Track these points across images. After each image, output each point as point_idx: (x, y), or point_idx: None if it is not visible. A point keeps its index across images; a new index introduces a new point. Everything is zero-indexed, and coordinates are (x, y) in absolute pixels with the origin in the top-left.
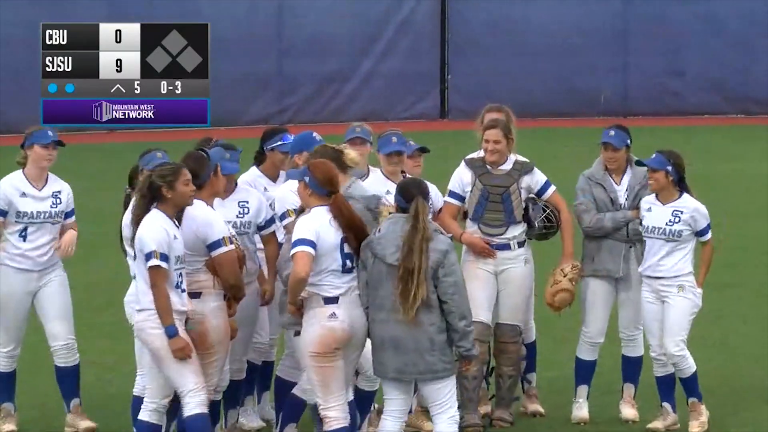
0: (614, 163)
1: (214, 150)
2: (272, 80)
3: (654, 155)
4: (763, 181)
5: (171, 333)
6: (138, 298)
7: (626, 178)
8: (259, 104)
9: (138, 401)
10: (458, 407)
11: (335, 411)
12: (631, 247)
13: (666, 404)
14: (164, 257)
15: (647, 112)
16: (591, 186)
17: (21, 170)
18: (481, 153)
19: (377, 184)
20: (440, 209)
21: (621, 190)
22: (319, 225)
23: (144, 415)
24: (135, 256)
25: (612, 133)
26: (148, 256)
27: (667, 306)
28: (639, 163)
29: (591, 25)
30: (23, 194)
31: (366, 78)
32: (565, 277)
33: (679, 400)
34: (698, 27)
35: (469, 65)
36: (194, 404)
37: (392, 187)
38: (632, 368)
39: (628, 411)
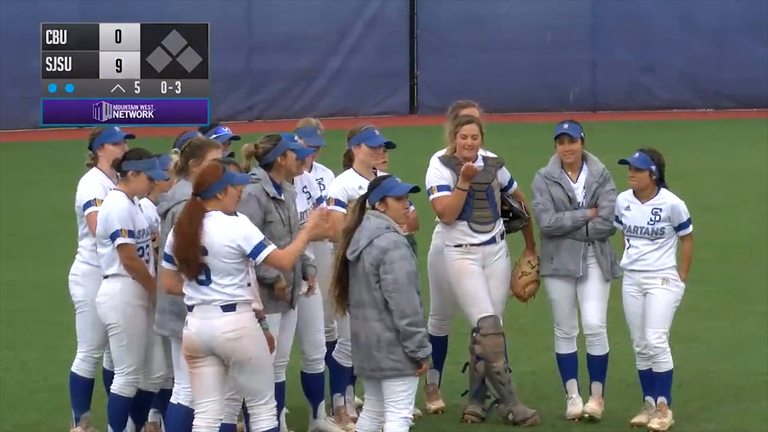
0: (571, 156)
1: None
2: (242, 77)
3: (637, 154)
4: (734, 175)
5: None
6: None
7: (583, 176)
8: (229, 101)
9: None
10: (498, 402)
11: (199, 418)
12: (589, 245)
13: (649, 398)
14: None
15: (617, 107)
16: (548, 185)
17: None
18: (444, 151)
19: (350, 181)
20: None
21: (578, 188)
22: (219, 230)
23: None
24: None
25: (566, 125)
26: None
27: (649, 297)
28: (622, 162)
29: (561, 20)
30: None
31: (336, 74)
32: (533, 268)
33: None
34: (668, 22)
35: (439, 61)
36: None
37: (365, 183)
38: (598, 367)
39: (592, 407)
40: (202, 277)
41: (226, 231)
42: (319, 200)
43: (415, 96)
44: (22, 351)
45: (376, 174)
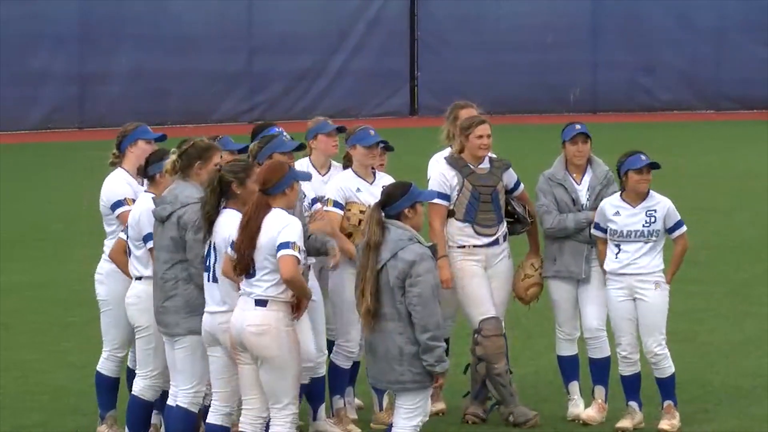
0: (582, 158)
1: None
2: (242, 78)
3: (644, 156)
4: (734, 176)
5: None
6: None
7: (587, 178)
8: (230, 102)
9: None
10: (499, 403)
11: (244, 414)
12: (592, 247)
13: (632, 403)
14: None
15: (617, 108)
16: (552, 187)
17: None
18: (446, 152)
19: (348, 182)
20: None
21: (582, 190)
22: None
23: (214, 419)
24: (215, 254)
25: (578, 126)
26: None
27: (642, 304)
28: (654, 165)
29: (561, 21)
30: None
31: (336, 75)
32: (536, 271)
33: (646, 399)
34: (668, 23)
35: (439, 62)
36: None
37: (362, 185)
38: (599, 370)
39: (590, 414)
40: (250, 270)
41: (275, 227)
42: (314, 201)
43: (415, 97)
44: (23, 351)
45: (375, 175)
